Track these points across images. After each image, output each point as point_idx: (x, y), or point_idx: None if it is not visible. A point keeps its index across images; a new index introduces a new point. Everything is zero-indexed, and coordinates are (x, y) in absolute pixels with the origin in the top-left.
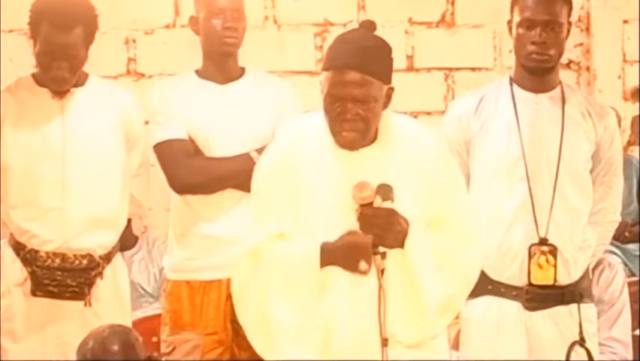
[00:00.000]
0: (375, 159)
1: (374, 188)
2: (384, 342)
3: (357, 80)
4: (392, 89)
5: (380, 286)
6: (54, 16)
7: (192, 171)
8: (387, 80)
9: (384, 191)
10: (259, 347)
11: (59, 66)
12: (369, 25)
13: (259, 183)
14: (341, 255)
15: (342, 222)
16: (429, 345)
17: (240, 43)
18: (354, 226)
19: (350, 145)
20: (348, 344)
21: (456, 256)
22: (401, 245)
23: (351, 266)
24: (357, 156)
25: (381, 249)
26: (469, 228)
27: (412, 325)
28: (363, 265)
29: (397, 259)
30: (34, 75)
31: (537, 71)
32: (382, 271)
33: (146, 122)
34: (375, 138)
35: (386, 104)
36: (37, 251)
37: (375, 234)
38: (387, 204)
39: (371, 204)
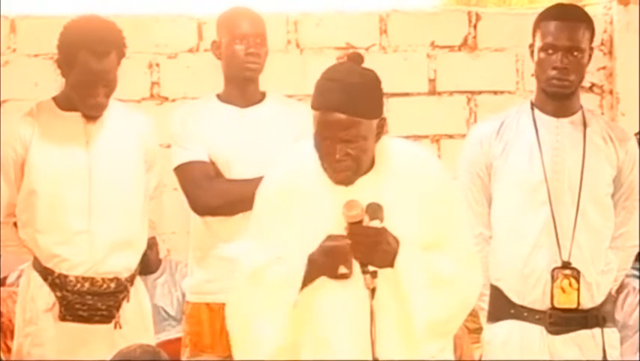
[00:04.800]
0: (372, 188)
1: (363, 207)
2: None
3: (344, 121)
4: (384, 119)
5: (371, 306)
6: (91, 43)
7: (213, 193)
8: (376, 114)
9: (373, 210)
10: None
11: (97, 93)
12: (356, 59)
13: (259, 209)
14: (321, 261)
15: None
16: None
17: (262, 68)
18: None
19: (343, 182)
20: None
21: (451, 279)
22: (390, 265)
23: (333, 272)
24: (353, 188)
25: (371, 268)
26: (468, 251)
27: (401, 346)
28: (342, 269)
29: (389, 279)
30: (55, 99)
31: (557, 96)
32: (373, 290)
33: (168, 146)
34: (371, 167)
35: (379, 135)
36: (66, 276)
37: (363, 252)
38: (375, 223)
39: (360, 222)
